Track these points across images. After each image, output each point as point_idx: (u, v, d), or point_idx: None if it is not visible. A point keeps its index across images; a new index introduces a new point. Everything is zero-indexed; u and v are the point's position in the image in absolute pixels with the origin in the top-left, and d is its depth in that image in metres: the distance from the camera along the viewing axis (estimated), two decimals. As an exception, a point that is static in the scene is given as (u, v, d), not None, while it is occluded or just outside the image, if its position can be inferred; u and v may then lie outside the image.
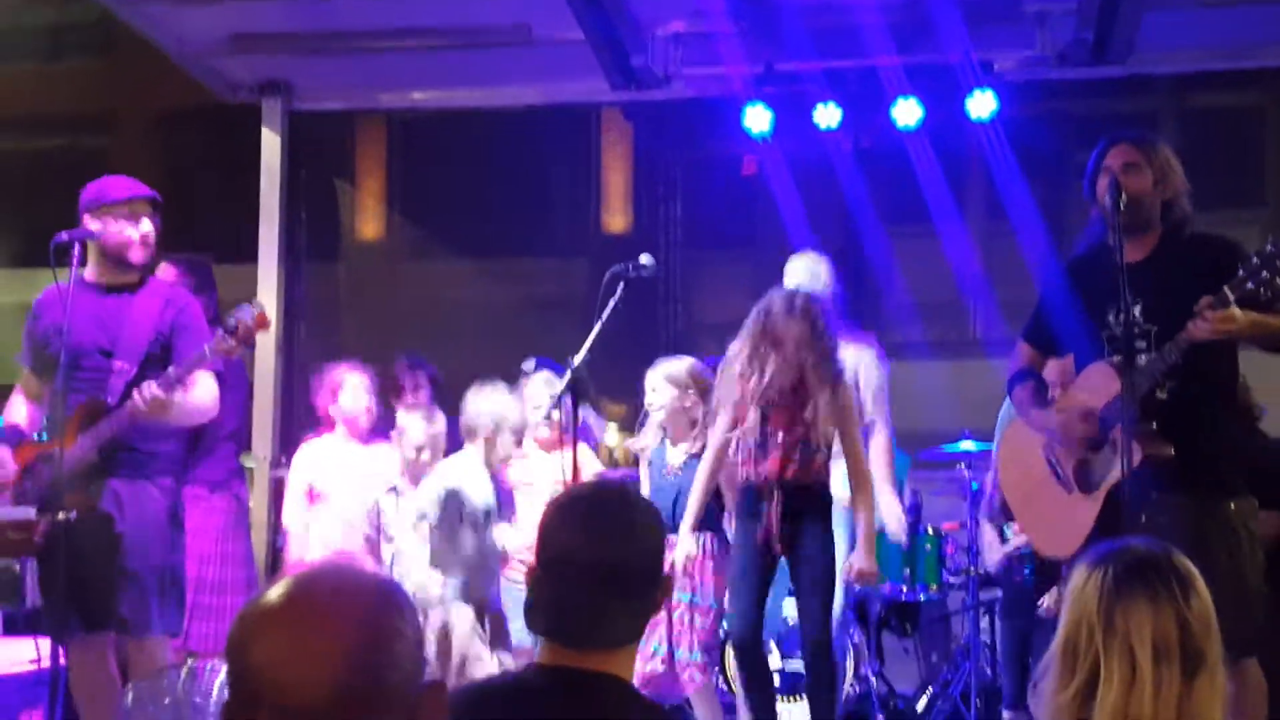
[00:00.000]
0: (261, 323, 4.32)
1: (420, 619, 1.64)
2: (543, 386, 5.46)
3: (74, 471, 4.32)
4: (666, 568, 4.71)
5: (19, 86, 16.27)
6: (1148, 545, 2.26)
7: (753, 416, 4.68)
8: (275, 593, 1.49)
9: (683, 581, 4.96)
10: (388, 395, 6.18)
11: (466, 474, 5.00)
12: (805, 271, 5.56)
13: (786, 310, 4.69)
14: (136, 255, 4.58)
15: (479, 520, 4.95)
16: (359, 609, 1.48)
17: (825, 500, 4.75)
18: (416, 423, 5.37)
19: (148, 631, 4.44)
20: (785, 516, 4.61)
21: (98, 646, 4.45)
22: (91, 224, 4.52)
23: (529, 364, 5.92)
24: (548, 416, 5.09)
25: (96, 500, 4.38)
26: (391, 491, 5.40)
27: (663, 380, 5.21)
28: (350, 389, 5.76)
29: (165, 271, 5.31)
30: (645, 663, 4.90)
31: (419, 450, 5.34)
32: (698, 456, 5.09)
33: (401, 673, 1.49)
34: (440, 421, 5.42)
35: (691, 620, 4.99)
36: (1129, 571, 2.16)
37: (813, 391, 4.65)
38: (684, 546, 4.86)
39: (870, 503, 4.82)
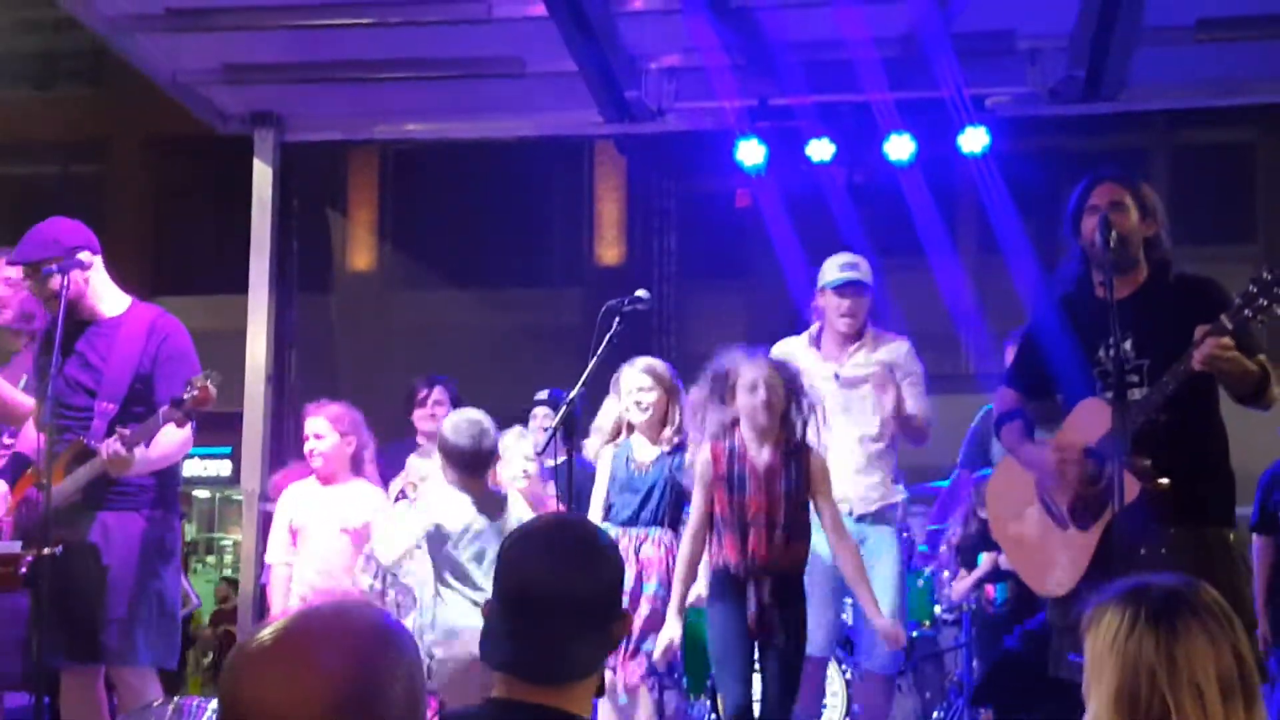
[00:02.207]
0: (204, 397, 4.24)
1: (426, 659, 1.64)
2: (516, 440, 5.39)
3: (60, 508, 4.29)
4: (658, 653, 4.65)
5: (12, 113, 16.29)
6: (1174, 580, 2.18)
7: (727, 496, 4.52)
8: (270, 630, 1.51)
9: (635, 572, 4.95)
10: (410, 409, 6.28)
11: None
12: (834, 268, 5.39)
13: (751, 364, 4.56)
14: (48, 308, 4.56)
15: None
16: (351, 648, 1.49)
17: (802, 588, 4.57)
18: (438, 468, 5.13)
19: (134, 662, 4.41)
20: (766, 604, 4.46)
21: (87, 678, 4.43)
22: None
23: (542, 394, 5.89)
24: (539, 454, 5.05)
25: (84, 534, 4.36)
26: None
27: (650, 379, 5.14)
28: (307, 429, 5.73)
29: None
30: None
31: None
32: (670, 453, 5.08)
33: (395, 711, 1.48)
34: None
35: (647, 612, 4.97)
36: (1174, 610, 2.08)
37: (788, 462, 4.52)
38: (669, 630, 4.63)
39: (863, 570, 4.65)
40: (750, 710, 4.52)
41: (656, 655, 4.70)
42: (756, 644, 4.52)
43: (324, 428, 5.70)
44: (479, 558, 4.72)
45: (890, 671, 5.28)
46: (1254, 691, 2.07)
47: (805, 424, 4.62)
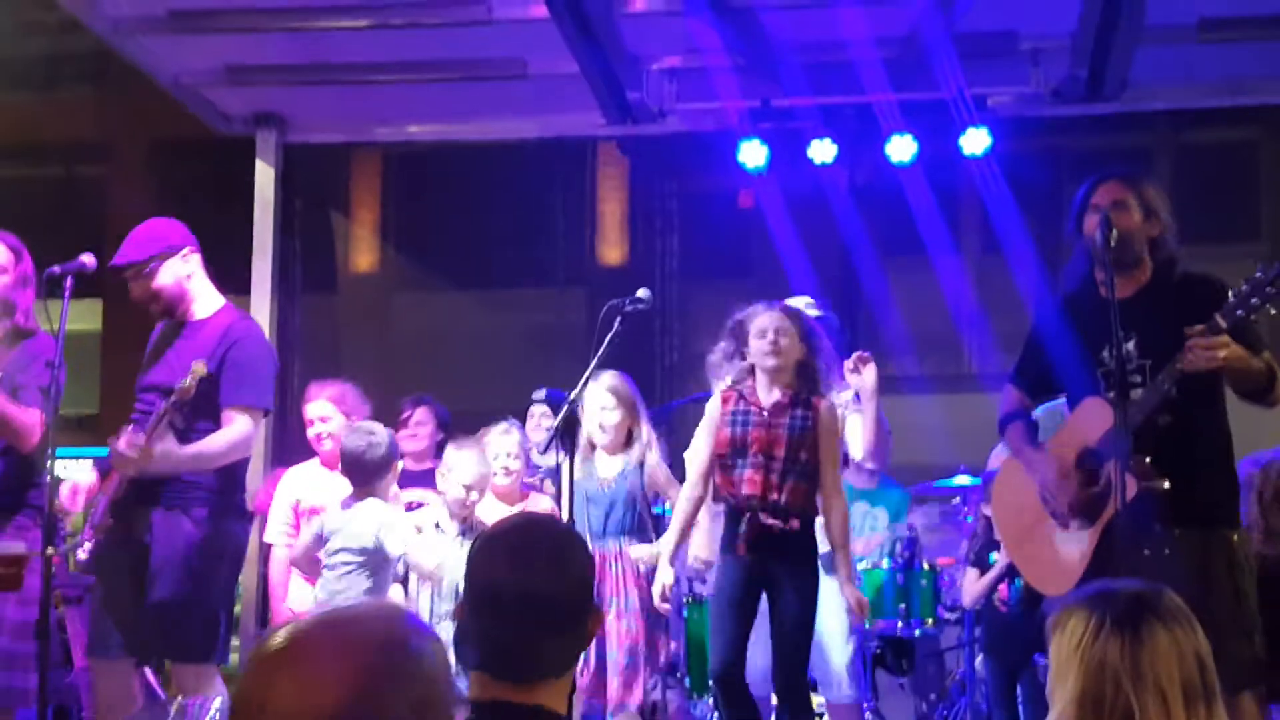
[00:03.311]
0: (186, 390, 4.30)
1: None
2: (500, 436, 5.40)
3: (119, 502, 4.43)
4: (656, 597, 4.69)
5: (14, 116, 16.28)
6: (1139, 585, 2.22)
7: (729, 433, 4.59)
8: (284, 632, 1.52)
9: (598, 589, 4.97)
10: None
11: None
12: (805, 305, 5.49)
13: (765, 312, 4.65)
14: (150, 312, 4.67)
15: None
16: (357, 661, 1.49)
17: (811, 541, 4.60)
18: (470, 463, 5.13)
19: (175, 658, 4.47)
20: (765, 546, 4.47)
21: (121, 668, 4.50)
22: None
23: (539, 393, 5.90)
24: (543, 451, 5.06)
25: (139, 531, 4.45)
26: (434, 527, 5.20)
27: (613, 397, 5.15)
28: (310, 414, 5.75)
29: None
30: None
31: (469, 489, 5.12)
32: (635, 467, 5.09)
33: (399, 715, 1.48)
34: (488, 462, 5.27)
35: (619, 627, 4.98)
36: (1139, 615, 2.11)
37: (798, 406, 4.57)
38: (662, 576, 4.75)
39: (847, 536, 4.66)
40: (734, 670, 4.49)
41: (657, 600, 4.77)
42: (768, 603, 4.51)
43: (329, 410, 5.70)
44: (338, 564, 4.85)
45: (855, 700, 5.27)
46: (1214, 695, 2.10)
47: (820, 374, 4.66)
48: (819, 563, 4.65)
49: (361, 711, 1.46)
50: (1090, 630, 2.11)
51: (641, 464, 5.15)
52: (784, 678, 4.54)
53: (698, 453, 4.75)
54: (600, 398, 5.15)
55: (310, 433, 5.75)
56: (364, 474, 4.93)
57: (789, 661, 4.52)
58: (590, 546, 4.98)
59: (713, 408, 4.71)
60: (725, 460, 4.61)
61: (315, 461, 5.79)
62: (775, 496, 4.50)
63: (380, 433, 4.99)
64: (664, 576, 4.74)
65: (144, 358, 4.72)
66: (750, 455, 4.54)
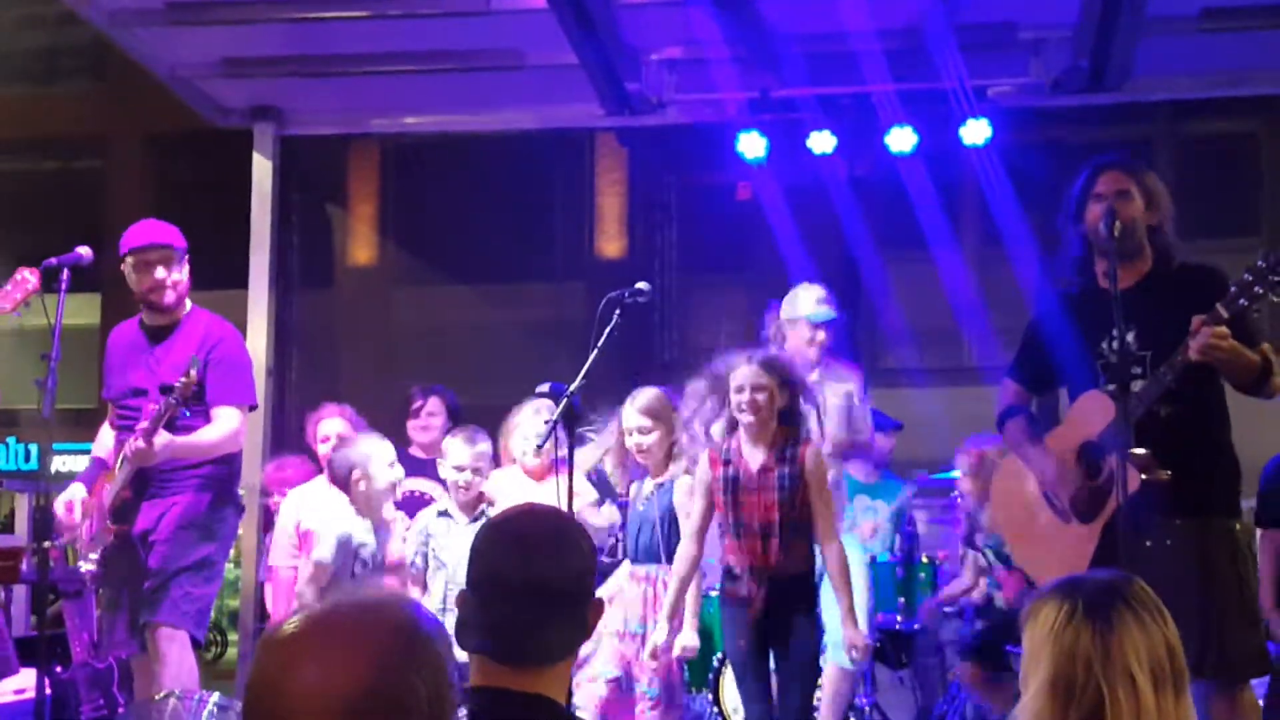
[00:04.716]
0: (189, 383, 4.43)
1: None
2: (532, 415, 5.38)
3: (116, 505, 4.61)
4: (677, 650, 4.66)
5: (12, 109, 16.28)
6: (1109, 574, 2.27)
7: (725, 500, 4.53)
8: (296, 620, 1.52)
9: (639, 612, 4.86)
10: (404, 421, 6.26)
11: (349, 519, 5.03)
12: (811, 301, 5.54)
13: (742, 365, 4.54)
14: (156, 301, 4.75)
15: (366, 563, 5.00)
16: (374, 644, 1.49)
17: (811, 590, 4.59)
18: (458, 446, 5.23)
19: (159, 615, 4.53)
20: (770, 607, 4.46)
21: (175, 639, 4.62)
22: (124, 269, 4.74)
23: (542, 388, 5.88)
24: (540, 446, 5.02)
25: (140, 525, 4.61)
26: (443, 516, 5.27)
27: (646, 419, 4.95)
28: (320, 435, 5.87)
29: None
30: (595, 685, 4.86)
31: (460, 470, 5.18)
32: (663, 486, 4.95)
33: (420, 710, 1.48)
34: (485, 444, 5.29)
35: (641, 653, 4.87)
36: (1109, 602, 2.15)
37: (783, 463, 4.49)
38: (658, 635, 4.65)
39: (846, 574, 4.58)
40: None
41: (644, 657, 4.72)
42: (771, 650, 4.52)
43: (345, 429, 5.78)
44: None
45: (857, 671, 5.44)
46: (1183, 682, 2.14)
47: (804, 420, 4.64)
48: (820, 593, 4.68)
49: (380, 696, 1.46)
50: (1062, 617, 2.14)
51: (670, 481, 4.98)
52: (788, 714, 4.51)
53: (695, 510, 4.66)
54: (633, 420, 4.97)
55: (323, 450, 5.78)
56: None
57: (793, 701, 4.50)
58: (639, 569, 4.95)
59: (703, 471, 4.61)
60: (724, 528, 4.58)
61: (319, 480, 5.75)
62: (776, 560, 4.46)
63: (350, 443, 5.25)
64: (657, 638, 4.66)
65: (110, 368, 4.86)
66: (745, 525, 4.49)
